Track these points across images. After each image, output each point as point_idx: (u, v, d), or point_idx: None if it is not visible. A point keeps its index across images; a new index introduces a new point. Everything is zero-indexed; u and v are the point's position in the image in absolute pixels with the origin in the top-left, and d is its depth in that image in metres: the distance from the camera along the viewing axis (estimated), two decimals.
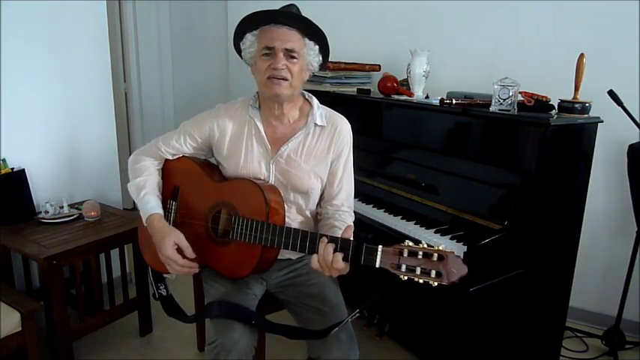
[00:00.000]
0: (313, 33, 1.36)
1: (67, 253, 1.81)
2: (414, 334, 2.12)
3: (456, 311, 1.79)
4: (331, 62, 2.38)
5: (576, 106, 1.72)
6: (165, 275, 1.55)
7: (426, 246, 1.08)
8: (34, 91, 2.14)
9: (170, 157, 1.52)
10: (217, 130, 1.46)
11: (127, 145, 3.72)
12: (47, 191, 2.21)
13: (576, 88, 1.74)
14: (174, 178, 1.52)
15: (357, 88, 2.46)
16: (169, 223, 1.44)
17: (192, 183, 1.48)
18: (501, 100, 1.76)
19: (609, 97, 1.83)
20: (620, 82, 1.93)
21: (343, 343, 1.31)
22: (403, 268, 1.07)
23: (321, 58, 1.42)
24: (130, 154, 1.56)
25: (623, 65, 2.11)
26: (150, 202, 1.42)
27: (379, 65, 2.58)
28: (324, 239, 1.18)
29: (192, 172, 1.49)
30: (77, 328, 1.93)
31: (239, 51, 1.43)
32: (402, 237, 1.69)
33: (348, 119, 1.50)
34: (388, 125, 2.23)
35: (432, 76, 2.26)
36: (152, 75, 3.76)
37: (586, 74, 1.72)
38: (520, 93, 1.78)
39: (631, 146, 1.92)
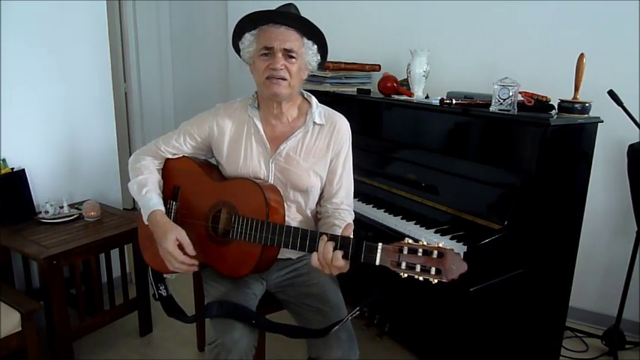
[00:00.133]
0: (312, 33, 1.36)
1: (67, 253, 1.81)
2: (414, 334, 2.12)
3: (456, 311, 1.79)
4: (331, 62, 2.38)
5: (576, 106, 1.72)
6: (165, 275, 1.55)
7: (425, 243, 1.08)
8: (34, 91, 2.14)
9: (170, 157, 1.52)
10: (217, 129, 1.46)
11: (127, 145, 3.71)
12: (47, 191, 2.21)
13: (576, 88, 1.74)
14: (174, 178, 1.52)
15: (357, 88, 2.46)
16: None
17: (193, 183, 1.48)
18: (501, 100, 1.76)
19: (609, 97, 1.83)
20: (620, 82, 1.93)
21: (343, 342, 1.31)
22: (403, 265, 1.07)
23: (319, 58, 1.42)
24: (130, 154, 1.57)
25: (623, 65, 2.11)
26: (152, 199, 1.42)
27: (379, 65, 2.58)
28: (324, 237, 1.18)
29: (192, 171, 1.49)
30: (77, 328, 1.93)
31: (238, 50, 1.44)
32: (402, 237, 1.66)
33: (348, 119, 1.51)
34: (388, 125, 2.23)
35: (432, 76, 2.26)
36: (152, 75, 3.76)
37: (586, 74, 1.72)
38: (520, 93, 1.78)
39: (631, 146, 1.92)
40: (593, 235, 2.24)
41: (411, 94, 2.24)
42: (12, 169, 2.04)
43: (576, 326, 2.33)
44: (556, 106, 1.78)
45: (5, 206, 2.00)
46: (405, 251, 1.08)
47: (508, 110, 1.75)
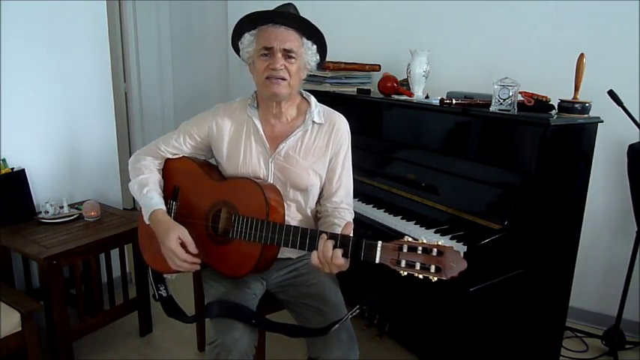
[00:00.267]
0: (311, 33, 1.37)
1: (67, 253, 1.81)
2: (414, 334, 2.12)
3: (456, 311, 1.79)
4: (331, 62, 2.38)
5: (576, 106, 1.72)
6: (165, 275, 1.55)
7: (425, 241, 1.08)
8: (34, 91, 2.14)
9: (170, 157, 1.53)
10: (216, 129, 1.47)
11: (127, 145, 3.72)
12: (47, 191, 2.21)
13: (576, 88, 1.74)
14: (174, 178, 1.52)
15: (357, 88, 2.46)
16: None
17: (192, 183, 1.48)
18: (501, 100, 1.76)
19: (609, 97, 1.83)
20: (620, 82, 1.93)
21: (343, 342, 1.31)
22: (403, 263, 1.07)
23: (318, 58, 1.43)
24: (130, 154, 1.57)
25: (623, 65, 2.11)
26: (154, 199, 1.42)
27: (379, 65, 2.58)
28: (324, 236, 1.18)
29: (192, 171, 1.50)
30: (77, 328, 1.93)
31: (237, 50, 1.44)
32: (402, 237, 1.69)
33: (348, 119, 1.51)
34: (388, 125, 2.23)
35: (432, 76, 2.26)
36: (152, 75, 3.76)
37: (586, 74, 1.72)
38: (520, 93, 1.78)
39: (631, 146, 1.92)
40: (593, 235, 2.24)
41: (411, 94, 2.24)
42: (12, 169, 2.04)
43: (576, 326, 2.33)
44: (556, 106, 1.78)
45: (5, 206, 2.00)
46: (405, 249, 1.08)
47: (508, 110, 1.75)
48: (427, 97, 2.23)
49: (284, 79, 1.34)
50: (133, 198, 1.50)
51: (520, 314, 1.76)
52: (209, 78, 3.69)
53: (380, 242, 1.11)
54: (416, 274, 1.06)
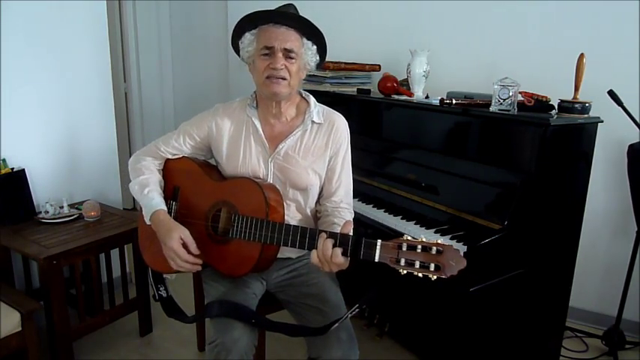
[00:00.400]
0: (311, 33, 1.37)
1: (67, 253, 1.81)
2: (414, 334, 2.12)
3: (456, 311, 1.79)
4: (331, 62, 2.38)
5: (576, 106, 1.72)
6: (165, 276, 1.55)
7: (424, 240, 1.08)
8: (34, 91, 2.14)
9: (170, 157, 1.53)
10: (216, 129, 1.47)
11: (127, 145, 3.72)
12: (47, 191, 2.21)
13: (576, 88, 1.74)
14: (173, 178, 1.52)
15: (357, 88, 2.46)
16: None
17: (192, 183, 1.49)
18: (501, 100, 1.76)
19: (609, 97, 1.83)
20: (620, 82, 1.93)
21: (343, 342, 1.31)
22: (402, 262, 1.07)
23: (318, 58, 1.43)
24: (130, 154, 1.57)
25: (623, 65, 2.11)
26: (154, 199, 1.42)
27: (379, 65, 2.58)
28: (324, 234, 1.18)
29: (192, 171, 1.50)
30: (77, 328, 1.93)
31: (237, 50, 1.44)
32: (402, 237, 1.69)
33: (347, 119, 1.51)
34: (388, 125, 2.23)
35: (432, 76, 2.26)
36: (152, 75, 3.76)
37: (586, 74, 1.72)
38: (520, 93, 1.78)
39: (631, 146, 1.92)
40: (593, 235, 2.24)
41: (411, 94, 2.24)
42: (12, 169, 2.04)
43: (576, 326, 2.33)
44: (556, 106, 1.78)
45: (5, 206, 2.00)
46: (404, 248, 1.08)
47: (508, 110, 1.75)
48: (427, 97, 2.23)
49: (284, 79, 1.34)
50: (133, 198, 1.50)
51: (520, 314, 1.76)
52: (209, 78, 3.69)
53: (379, 241, 1.11)
54: (415, 273, 1.06)
